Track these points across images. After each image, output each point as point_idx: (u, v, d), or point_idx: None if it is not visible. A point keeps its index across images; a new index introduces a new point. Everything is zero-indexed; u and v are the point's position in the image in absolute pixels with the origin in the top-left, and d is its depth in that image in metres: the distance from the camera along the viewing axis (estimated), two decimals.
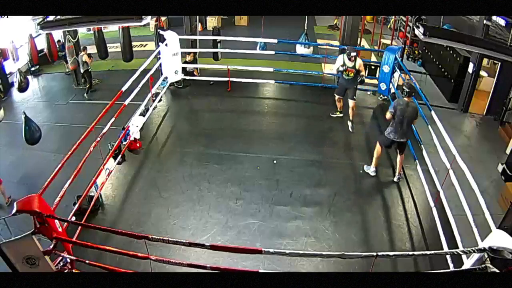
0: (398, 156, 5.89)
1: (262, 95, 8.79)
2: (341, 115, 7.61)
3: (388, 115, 5.67)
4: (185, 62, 9.08)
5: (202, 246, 3.55)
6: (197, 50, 9.26)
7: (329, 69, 9.82)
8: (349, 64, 6.84)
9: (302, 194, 5.68)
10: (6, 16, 8.75)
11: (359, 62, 6.90)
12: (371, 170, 6.11)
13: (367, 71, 9.00)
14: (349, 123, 7.30)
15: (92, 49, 10.46)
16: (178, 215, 5.32)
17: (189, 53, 9.04)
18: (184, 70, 9.00)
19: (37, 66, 11.23)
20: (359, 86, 9.00)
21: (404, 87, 5.70)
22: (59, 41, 11.05)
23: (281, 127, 7.39)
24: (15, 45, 10.36)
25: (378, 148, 5.99)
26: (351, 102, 7.15)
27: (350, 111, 7.23)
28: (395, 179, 5.99)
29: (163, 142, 7.08)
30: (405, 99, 5.57)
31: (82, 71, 10.02)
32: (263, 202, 5.51)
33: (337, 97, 7.43)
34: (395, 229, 5.15)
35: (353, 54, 6.79)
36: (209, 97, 8.55)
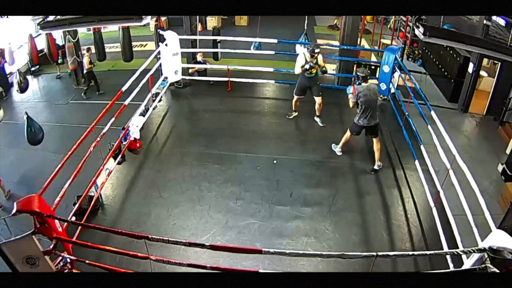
0: (374, 142, 6.05)
1: (262, 95, 8.79)
2: (296, 113, 7.53)
3: (350, 104, 5.93)
4: (196, 62, 9.10)
5: (202, 246, 3.55)
6: (197, 50, 9.26)
7: (330, 69, 9.82)
8: (312, 61, 6.79)
9: (302, 194, 5.67)
10: (6, 16, 8.76)
11: (320, 58, 6.88)
12: (337, 149, 6.45)
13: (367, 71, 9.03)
14: (317, 119, 7.34)
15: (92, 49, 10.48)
16: (178, 215, 5.32)
17: (197, 53, 9.06)
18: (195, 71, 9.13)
19: (37, 66, 11.23)
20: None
21: (357, 73, 5.84)
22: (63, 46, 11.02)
23: (281, 127, 7.38)
24: (11, 48, 10.37)
25: (347, 134, 6.20)
26: (318, 99, 7.13)
27: (317, 107, 7.23)
28: (375, 167, 6.07)
29: (163, 142, 7.08)
30: (363, 84, 5.74)
31: (84, 71, 10.02)
32: (263, 202, 5.51)
33: (296, 98, 7.30)
34: (395, 229, 5.15)
35: (317, 50, 6.74)
36: (209, 97, 8.54)
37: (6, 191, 6.29)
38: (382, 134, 7.19)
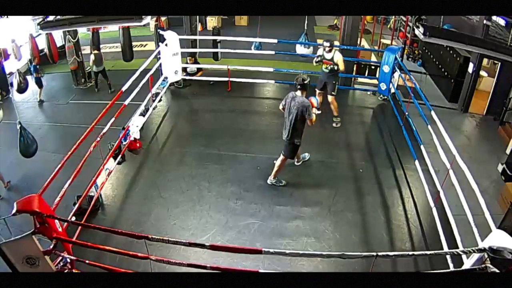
0: (280, 157, 5.59)
1: (262, 95, 8.79)
2: (319, 112, 7.27)
3: (280, 106, 5.52)
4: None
5: (202, 246, 3.55)
6: (197, 50, 9.26)
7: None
8: (327, 56, 6.87)
9: (302, 194, 5.67)
10: (6, 16, 8.75)
11: (337, 56, 6.86)
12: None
13: (367, 71, 9.02)
14: (334, 119, 7.30)
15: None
16: (178, 215, 5.32)
17: (190, 57, 9.07)
18: (185, 71, 9.06)
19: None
20: (358, 87, 9.10)
21: (295, 79, 5.24)
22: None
23: (281, 127, 7.28)
24: (17, 43, 10.36)
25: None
26: (329, 97, 7.14)
27: (331, 106, 7.23)
28: (268, 182, 5.75)
29: (163, 142, 7.08)
30: (297, 92, 5.24)
31: (98, 70, 9.99)
32: (263, 202, 5.50)
33: (317, 91, 7.29)
34: (395, 229, 5.15)
35: (326, 44, 6.79)
36: (209, 97, 8.54)
37: (5, 182, 6.32)
38: (382, 135, 7.22)
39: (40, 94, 10.03)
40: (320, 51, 7.02)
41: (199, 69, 9.25)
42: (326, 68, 6.95)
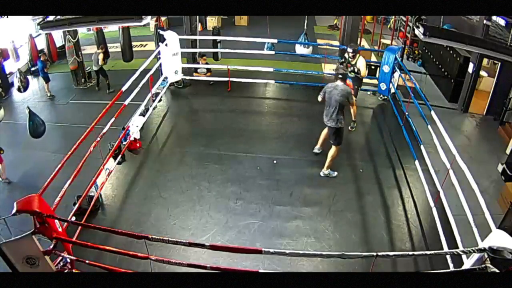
0: (331, 148, 5.89)
1: (262, 95, 8.79)
2: None
3: (319, 98, 5.88)
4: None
5: (202, 246, 3.55)
6: (197, 50, 9.25)
7: (329, 69, 9.85)
8: (351, 60, 6.90)
9: (302, 194, 5.67)
10: (6, 16, 8.76)
11: (360, 62, 6.88)
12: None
13: (367, 71, 9.01)
14: (351, 123, 7.24)
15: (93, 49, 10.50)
16: (178, 215, 5.32)
17: (202, 56, 9.08)
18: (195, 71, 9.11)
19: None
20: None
21: (335, 70, 5.78)
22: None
23: (281, 127, 7.38)
24: (15, 45, 10.38)
25: (324, 131, 6.17)
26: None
27: (350, 110, 7.17)
28: (321, 174, 5.97)
29: (163, 142, 7.07)
30: (336, 82, 5.64)
31: (95, 69, 10.02)
32: (263, 202, 5.50)
33: None
34: (395, 229, 5.15)
35: (349, 50, 6.84)
36: (209, 97, 8.54)
37: (5, 177, 6.38)
38: (382, 135, 7.22)
39: (48, 90, 10.14)
40: (346, 55, 7.03)
41: (208, 70, 9.24)
42: (351, 72, 6.97)
